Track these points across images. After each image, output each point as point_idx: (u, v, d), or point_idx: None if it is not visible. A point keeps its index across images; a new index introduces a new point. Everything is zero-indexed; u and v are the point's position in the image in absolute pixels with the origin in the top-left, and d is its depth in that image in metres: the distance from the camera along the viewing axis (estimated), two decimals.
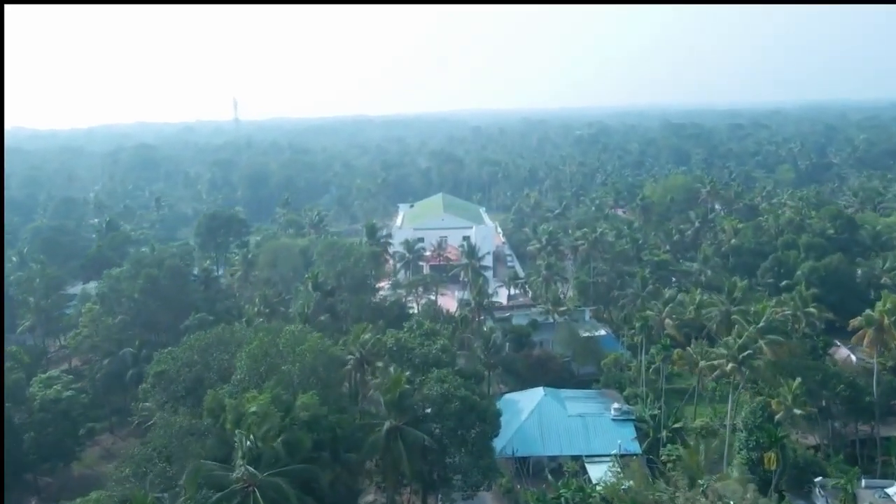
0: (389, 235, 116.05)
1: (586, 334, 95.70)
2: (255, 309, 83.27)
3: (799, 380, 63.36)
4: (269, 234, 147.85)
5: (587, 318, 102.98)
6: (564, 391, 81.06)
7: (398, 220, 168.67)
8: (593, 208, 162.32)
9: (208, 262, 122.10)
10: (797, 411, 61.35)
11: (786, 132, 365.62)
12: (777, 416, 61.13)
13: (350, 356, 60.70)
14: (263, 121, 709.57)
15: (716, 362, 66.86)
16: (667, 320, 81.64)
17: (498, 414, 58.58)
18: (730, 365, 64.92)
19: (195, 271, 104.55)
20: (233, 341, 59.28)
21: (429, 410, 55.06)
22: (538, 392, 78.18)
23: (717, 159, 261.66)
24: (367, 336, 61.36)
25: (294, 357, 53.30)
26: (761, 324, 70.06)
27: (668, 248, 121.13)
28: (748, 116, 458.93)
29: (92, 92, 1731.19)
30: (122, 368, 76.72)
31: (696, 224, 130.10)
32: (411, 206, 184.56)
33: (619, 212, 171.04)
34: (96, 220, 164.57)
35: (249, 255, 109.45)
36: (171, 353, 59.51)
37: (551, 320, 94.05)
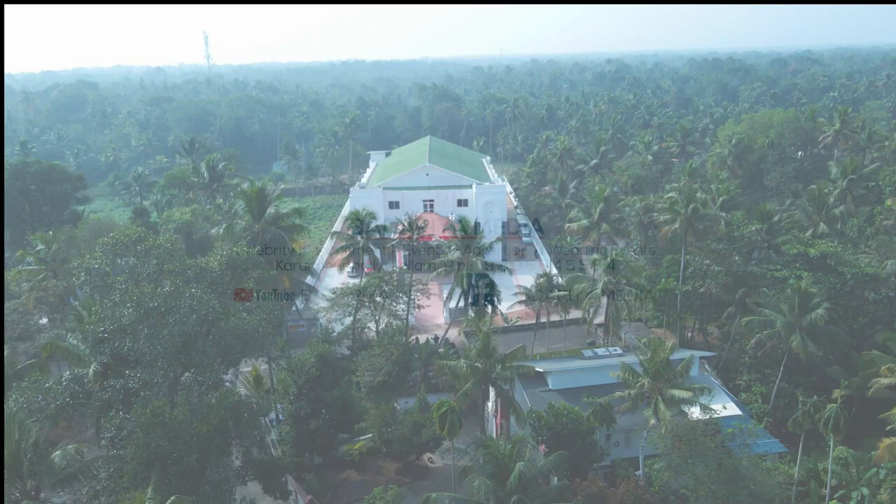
0: (298, 214, 60.55)
1: (696, 413, 45.57)
2: None
3: None
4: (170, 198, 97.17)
5: (695, 371, 52.82)
6: None
7: (365, 176, 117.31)
8: (650, 157, 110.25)
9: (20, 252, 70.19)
10: None
11: (835, 69, 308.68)
12: None
13: None
14: (248, 64, 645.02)
15: None
16: None
17: None
18: None
19: None
20: None
21: None
22: None
23: (783, 95, 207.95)
24: None
25: None
26: None
27: (824, 227, 69.42)
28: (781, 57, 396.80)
29: (76, 35, 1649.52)
30: None
31: (843, 184, 78.60)
32: (387, 155, 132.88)
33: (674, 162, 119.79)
34: None
35: (54, 247, 58.67)
36: None
37: (636, 400, 43.73)
